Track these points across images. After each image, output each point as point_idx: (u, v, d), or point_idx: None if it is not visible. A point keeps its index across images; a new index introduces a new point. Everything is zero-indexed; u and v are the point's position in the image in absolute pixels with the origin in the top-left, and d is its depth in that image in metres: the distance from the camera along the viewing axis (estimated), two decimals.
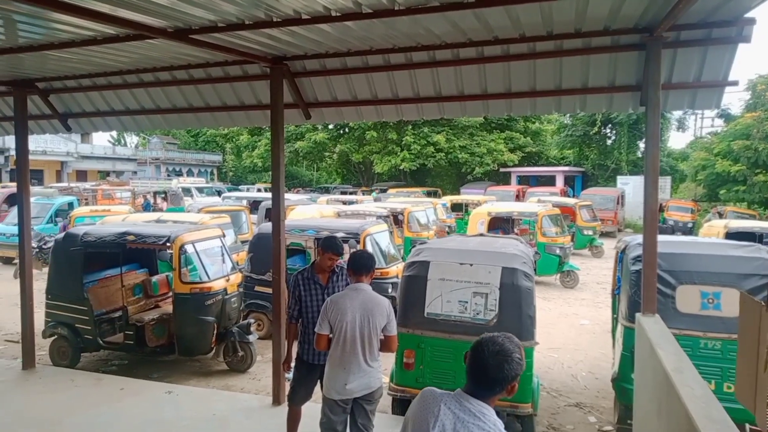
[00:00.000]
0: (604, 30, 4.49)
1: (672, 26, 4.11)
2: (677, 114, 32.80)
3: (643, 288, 4.49)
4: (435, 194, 27.79)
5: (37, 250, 11.79)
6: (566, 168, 33.61)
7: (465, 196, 24.57)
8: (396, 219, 14.07)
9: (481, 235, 7.65)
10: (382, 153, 34.29)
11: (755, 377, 1.75)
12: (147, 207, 19.73)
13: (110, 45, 4.72)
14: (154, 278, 7.54)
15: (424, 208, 15.49)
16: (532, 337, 4.96)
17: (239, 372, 6.82)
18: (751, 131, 21.70)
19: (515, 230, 14.66)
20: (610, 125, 32.19)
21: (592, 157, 33.15)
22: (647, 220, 4.50)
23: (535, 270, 7.02)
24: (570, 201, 20.14)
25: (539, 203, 16.83)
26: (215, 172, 50.48)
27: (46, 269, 9.52)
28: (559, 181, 31.94)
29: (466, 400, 1.86)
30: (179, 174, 44.97)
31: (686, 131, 47.15)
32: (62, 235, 7.12)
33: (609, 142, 33.16)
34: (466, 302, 5.10)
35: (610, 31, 4.49)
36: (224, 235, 7.58)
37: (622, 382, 5.26)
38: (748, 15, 4.14)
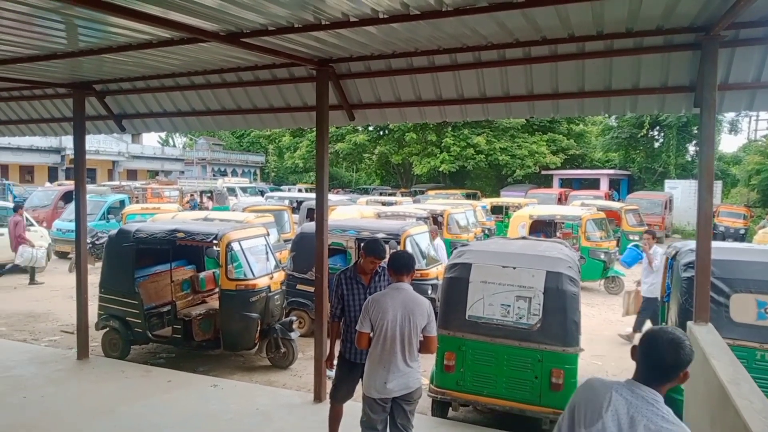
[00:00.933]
0: (657, 29, 4.37)
1: (730, 24, 3.96)
2: (729, 116, 31.43)
3: (695, 295, 4.34)
4: (474, 196, 27.52)
5: (90, 245, 12.31)
6: (611, 171, 32.70)
7: (505, 198, 24.22)
8: (435, 221, 14.02)
9: (524, 238, 7.54)
10: (422, 155, 34.22)
11: None
12: (194, 206, 20.33)
13: (164, 48, 4.90)
14: (202, 274, 7.77)
15: (464, 210, 15.36)
16: (576, 344, 4.87)
17: (281, 368, 6.94)
18: None
19: (557, 234, 14.36)
20: (658, 127, 31.13)
21: (639, 160, 32.14)
22: (701, 226, 4.35)
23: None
24: (615, 205, 19.59)
25: (583, 207, 16.42)
26: (258, 172, 51.57)
27: (98, 264, 9.96)
28: (604, 185, 31.10)
29: (638, 387, 1.95)
30: (224, 174, 46.19)
31: (739, 134, 45.10)
32: (115, 231, 7.42)
33: (657, 144, 32.07)
34: (509, 306, 5.04)
35: (664, 30, 4.36)
36: (268, 234, 7.73)
37: (670, 392, 5.08)
38: None
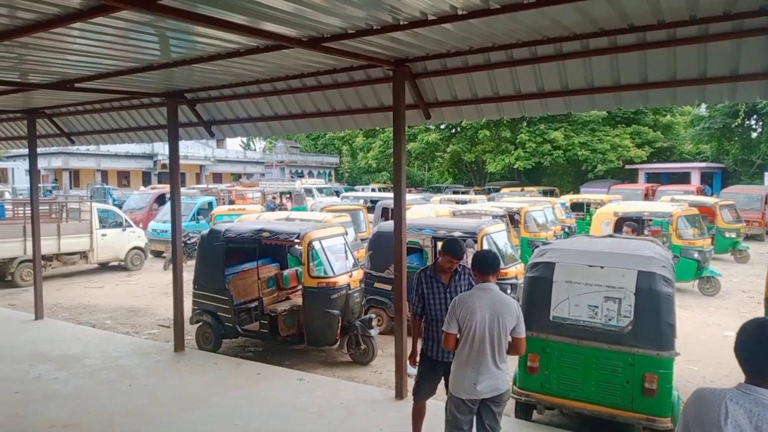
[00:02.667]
0: (760, 10, 4.03)
1: None
2: None
3: None
4: (552, 193, 26.63)
5: (183, 245, 13.15)
6: (702, 164, 30.56)
7: (586, 195, 23.24)
8: (512, 219, 13.72)
9: (611, 236, 7.21)
10: (495, 152, 33.62)
11: None
12: (270, 207, 21.11)
13: (250, 56, 5.14)
14: (286, 272, 8.08)
15: (542, 208, 14.92)
16: (671, 348, 4.60)
17: (362, 364, 7.08)
18: None
19: (646, 231, 13.59)
20: (755, 116, 28.64)
21: (734, 151, 29.77)
22: None
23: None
24: (709, 200, 18.26)
25: (673, 202, 15.43)
26: (332, 173, 52.85)
27: (190, 262, 10.62)
28: (695, 179, 29.12)
29: (754, 392, 1.76)
30: (301, 175, 47.75)
31: None
32: (207, 231, 7.86)
33: (754, 135, 29.54)
34: (597, 307, 4.84)
35: (766, 11, 4.02)
36: (346, 233, 7.90)
37: None
38: None
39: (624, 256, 5.02)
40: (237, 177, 45.11)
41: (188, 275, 8.05)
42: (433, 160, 40.77)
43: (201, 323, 7.57)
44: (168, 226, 10.17)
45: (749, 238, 18.96)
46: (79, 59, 5.40)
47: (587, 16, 4.23)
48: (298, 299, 7.51)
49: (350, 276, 7.09)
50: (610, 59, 5.00)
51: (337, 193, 27.86)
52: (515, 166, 33.13)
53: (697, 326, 9.25)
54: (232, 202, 20.68)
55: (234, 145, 54.51)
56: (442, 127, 36.00)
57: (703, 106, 29.91)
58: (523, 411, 5.24)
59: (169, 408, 5.54)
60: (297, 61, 5.59)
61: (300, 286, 7.40)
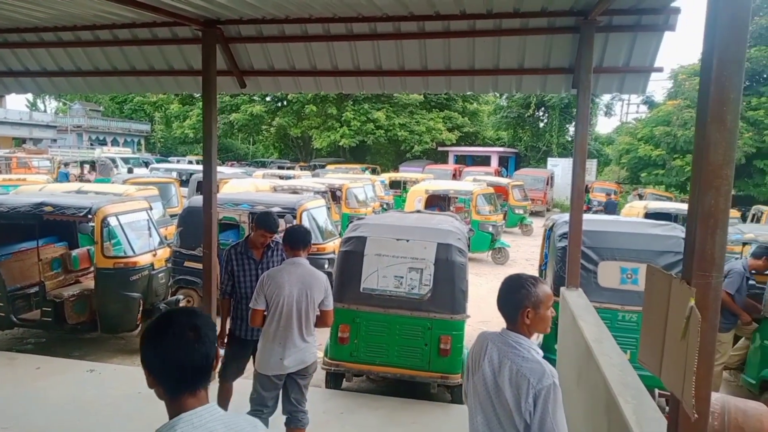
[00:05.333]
0: (541, 11, 4.57)
1: (605, 11, 4.24)
2: (605, 99, 34.35)
3: (567, 263, 4.71)
4: (374, 171, 27.79)
5: None
6: (501, 149, 34.51)
7: (403, 173, 24.73)
8: (334, 195, 13.97)
9: (418, 211, 7.73)
10: (322, 128, 33.78)
11: (661, 345, 1.87)
12: (63, 177, 18.43)
13: None
14: (74, 252, 7.09)
15: (363, 185, 15.46)
16: (463, 311, 5.10)
17: None
18: (671, 118, 23.06)
19: (451, 208, 14.95)
20: (543, 108, 33.26)
21: (526, 138, 34.19)
22: (574, 200, 4.70)
23: (468, 247, 7.18)
24: (503, 181, 20.75)
25: (475, 182, 17.22)
26: (143, 142, 47.99)
27: None
28: (494, 162, 32.80)
29: (506, 334, 2.18)
30: (103, 143, 42.48)
31: (612, 117, 49.54)
32: None
33: (541, 125, 34.29)
34: (402, 277, 5.15)
35: (547, 12, 4.58)
36: (151, 208, 7.22)
37: (546, 353, 5.51)
38: (674, 4, 4.35)
39: (426, 230, 5.41)
40: (20, 142, 38.46)
41: None
42: (258, 133, 39.44)
43: None
44: None
45: (534, 214, 22.05)
46: None
47: (398, 0, 4.36)
48: (90, 282, 6.66)
49: (154, 255, 6.50)
50: (419, 44, 5.25)
51: (147, 164, 25.35)
52: (341, 144, 33.74)
53: (489, 291, 10.49)
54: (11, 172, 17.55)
55: (18, 104, 46.18)
56: (268, 99, 34.98)
57: (504, 96, 33.80)
58: (333, 380, 5.39)
59: None
60: (87, 9, 4.85)
61: (92, 268, 6.57)
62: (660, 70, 4.98)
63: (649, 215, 10.47)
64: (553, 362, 5.09)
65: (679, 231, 5.48)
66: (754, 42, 22.12)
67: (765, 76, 22.67)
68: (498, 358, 2.12)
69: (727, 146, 1.71)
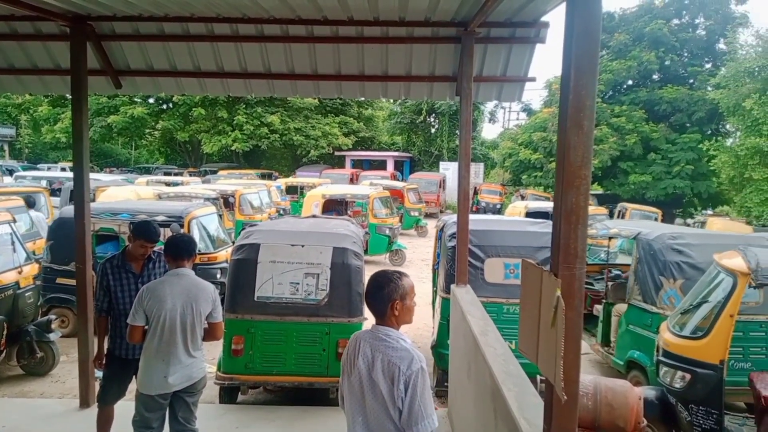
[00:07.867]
0: (425, 21, 4.75)
1: (483, 23, 4.50)
2: (489, 107, 36.53)
3: (456, 261, 4.92)
4: (270, 177, 27.18)
5: None
6: (396, 153, 35.38)
7: (300, 178, 24.46)
8: (226, 202, 13.47)
9: (314, 216, 7.67)
10: (212, 132, 32.44)
11: (537, 334, 2.03)
12: None
13: None
14: None
15: (257, 191, 15.06)
16: (360, 313, 5.13)
17: (38, 375, 5.95)
18: (547, 125, 25.05)
19: (349, 212, 15.03)
20: (434, 114, 34.60)
21: (419, 143, 35.37)
22: (460, 201, 4.92)
23: (366, 250, 7.25)
24: (399, 184, 21.27)
25: (371, 186, 17.47)
26: (6, 147, 42.97)
27: None
28: (390, 166, 33.53)
29: (376, 329, 2.26)
30: None
31: (496, 123, 52.73)
32: None
33: (433, 130, 35.66)
34: (298, 283, 5.08)
35: (431, 22, 4.76)
36: (15, 221, 6.48)
37: (439, 348, 5.74)
38: (544, 19, 4.72)
39: (322, 235, 5.38)
40: None
41: None
42: (141, 137, 36.97)
43: None
44: None
45: (428, 215, 22.84)
46: None
47: (284, 2, 4.30)
48: None
49: (19, 272, 5.84)
50: (309, 48, 5.23)
51: (11, 172, 22.75)
52: (233, 148, 32.63)
53: None
54: None
55: None
56: (151, 101, 32.94)
57: (397, 103, 34.68)
58: (228, 395, 5.19)
59: None
60: None
61: None
62: (533, 79, 5.38)
63: (529, 214, 11.29)
64: (446, 357, 5.30)
65: None
66: (615, 56, 24.71)
67: (625, 86, 25.38)
68: (371, 353, 2.20)
69: (585, 149, 1.88)
